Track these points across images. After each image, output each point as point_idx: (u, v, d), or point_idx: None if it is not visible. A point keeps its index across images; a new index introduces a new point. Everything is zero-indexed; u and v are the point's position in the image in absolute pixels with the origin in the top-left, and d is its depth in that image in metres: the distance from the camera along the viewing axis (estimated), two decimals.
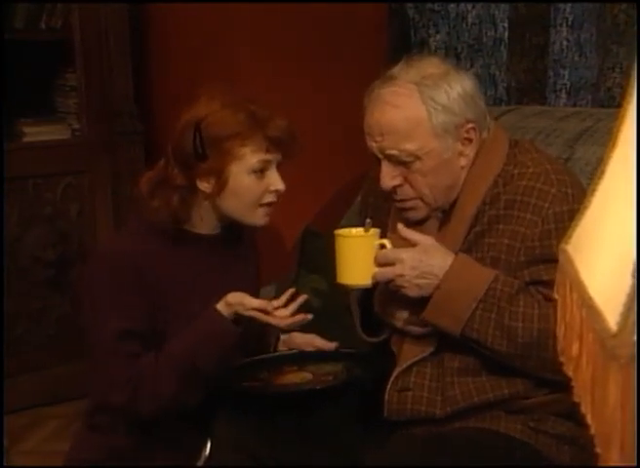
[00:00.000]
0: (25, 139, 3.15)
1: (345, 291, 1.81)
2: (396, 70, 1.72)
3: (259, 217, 1.81)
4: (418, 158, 1.69)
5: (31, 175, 3.11)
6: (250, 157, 1.75)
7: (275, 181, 1.78)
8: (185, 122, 1.77)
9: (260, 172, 1.76)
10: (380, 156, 1.72)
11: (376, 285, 1.72)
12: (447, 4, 2.98)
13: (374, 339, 1.88)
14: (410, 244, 1.70)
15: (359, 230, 1.74)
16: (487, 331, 1.64)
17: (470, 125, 1.71)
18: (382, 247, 1.69)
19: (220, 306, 1.75)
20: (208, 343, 1.73)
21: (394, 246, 1.71)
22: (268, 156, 1.76)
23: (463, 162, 1.73)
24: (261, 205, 1.79)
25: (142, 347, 1.74)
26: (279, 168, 1.80)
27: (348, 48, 3.19)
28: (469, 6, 2.96)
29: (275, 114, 1.78)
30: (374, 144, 1.72)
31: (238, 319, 1.75)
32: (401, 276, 1.65)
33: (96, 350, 1.76)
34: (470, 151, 1.72)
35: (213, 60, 3.22)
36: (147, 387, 1.72)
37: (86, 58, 3.16)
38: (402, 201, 1.75)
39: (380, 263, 1.67)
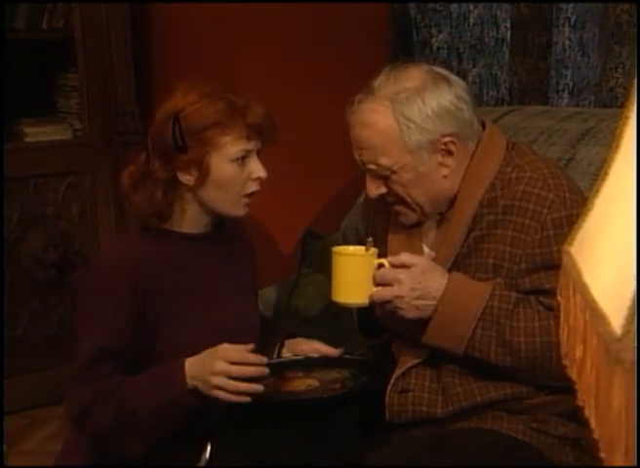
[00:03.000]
0: (27, 140, 3.15)
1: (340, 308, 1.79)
2: (376, 83, 1.72)
3: (240, 208, 1.79)
4: (394, 172, 1.71)
5: (33, 175, 3.10)
6: (230, 146, 1.73)
7: (257, 169, 1.76)
8: (164, 114, 1.75)
9: (242, 160, 1.75)
10: (363, 168, 1.75)
11: (372, 304, 1.71)
12: (449, 4, 2.97)
13: (374, 341, 1.87)
14: (410, 249, 1.72)
15: (357, 248, 1.74)
16: (489, 349, 1.65)
17: (447, 139, 1.70)
18: (381, 266, 1.68)
19: (189, 363, 1.68)
20: (155, 397, 1.68)
21: (395, 254, 1.72)
22: (249, 144, 1.75)
23: (445, 172, 1.72)
24: (244, 195, 1.77)
25: (119, 365, 1.71)
26: (271, 163, 1.79)
27: (350, 48, 3.19)
28: (471, 6, 2.95)
29: (252, 102, 1.77)
30: (357, 157, 1.75)
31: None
32: (400, 297, 1.66)
33: (72, 363, 1.74)
34: (452, 162, 1.72)
35: (214, 60, 3.22)
36: (92, 415, 1.69)
37: (87, 59, 3.15)
38: (392, 205, 1.77)
39: (378, 283, 1.67)
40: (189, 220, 1.80)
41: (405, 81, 1.70)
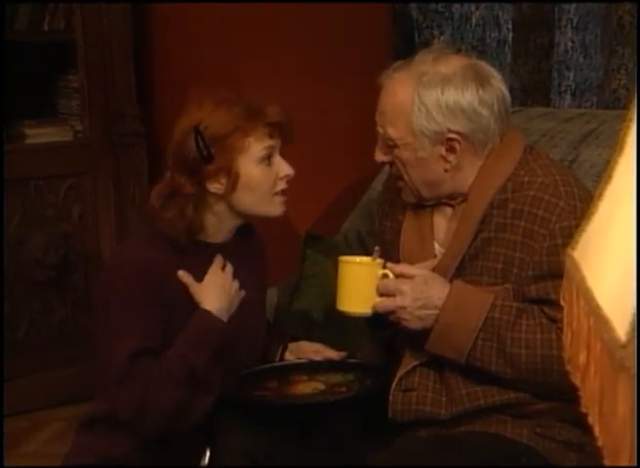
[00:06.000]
0: (28, 141, 3.14)
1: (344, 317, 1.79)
2: (417, 57, 1.74)
3: (276, 206, 1.80)
4: (396, 146, 1.73)
5: (33, 176, 3.10)
6: (254, 146, 1.75)
7: (283, 167, 1.78)
8: (183, 129, 1.76)
9: (268, 159, 1.77)
10: (377, 129, 1.77)
11: (376, 314, 1.71)
12: (451, 5, 2.97)
13: (380, 334, 1.87)
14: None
15: (364, 258, 1.75)
16: (490, 360, 1.66)
17: (453, 135, 1.69)
18: (385, 276, 1.69)
19: (211, 303, 1.75)
20: (196, 338, 1.72)
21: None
22: (272, 141, 1.77)
23: (446, 166, 1.72)
24: (275, 193, 1.79)
25: (157, 360, 1.71)
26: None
27: (352, 49, 3.18)
28: (473, 7, 2.95)
29: (267, 102, 1.79)
30: (376, 117, 1.77)
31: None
32: (402, 308, 1.66)
33: (108, 368, 1.73)
34: (453, 159, 1.71)
35: (215, 62, 3.21)
36: (152, 401, 1.69)
37: (88, 60, 3.15)
38: (395, 178, 1.80)
39: (382, 294, 1.68)
40: (216, 230, 1.81)
41: (440, 65, 1.70)
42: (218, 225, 1.80)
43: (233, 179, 1.74)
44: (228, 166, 1.73)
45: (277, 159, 1.78)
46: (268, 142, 1.76)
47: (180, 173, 1.76)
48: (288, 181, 1.80)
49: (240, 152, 1.74)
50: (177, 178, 1.76)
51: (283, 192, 1.80)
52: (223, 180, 1.74)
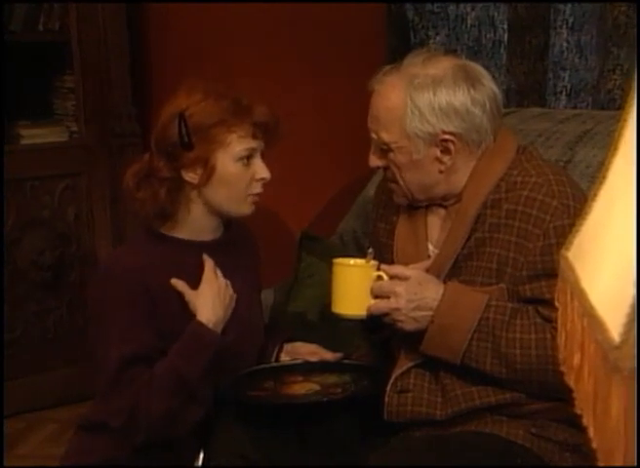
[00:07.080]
0: (23, 142, 3.14)
1: (339, 319, 1.79)
2: (407, 59, 1.74)
3: (245, 207, 1.79)
4: (391, 150, 1.73)
5: (29, 177, 3.09)
6: (236, 144, 1.74)
7: (261, 170, 1.77)
8: (169, 113, 1.76)
9: (247, 159, 1.76)
10: (370, 135, 1.77)
11: (370, 316, 1.71)
12: (446, 6, 2.97)
13: (376, 335, 1.87)
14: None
15: (358, 260, 1.75)
16: (485, 361, 1.66)
17: (447, 136, 1.69)
18: (380, 278, 1.69)
19: (205, 315, 1.74)
20: (189, 351, 1.71)
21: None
22: (254, 143, 1.76)
23: (441, 168, 1.72)
24: (249, 195, 1.78)
25: (149, 368, 1.71)
26: (268, 164, 1.79)
27: (348, 49, 3.18)
28: (469, 8, 2.95)
29: (257, 101, 1.78)
30: (368, 123, 1.77)
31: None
32: (397, 310, 1.67)
33: (99, 376, 1.73)
34: (448, 160, 1.71)
35: (212, 62, 3.21)
36: (141, 410, 1.69)
37: (84, 60, 3.15)
38: (389, 181, 1.80)
39: (376, 296, 1.68)
40: (196, 224, 1.80)
41: (430, 67, 1.71)
42: (188, 217, 1.79)
43: (208, 172, 1.73)
44: (206, 157, 1.73)
45: (257, 161, 1.77)
46: (250, 144, 1.75)
47: (159, 156, 1.76)
48: (264, 185, 1.79)
49: (220, 146, 1.73)
50: (155, 161, 1.76)
51: (257, 194, 1.79)
52: (199, 171, 1.74)
